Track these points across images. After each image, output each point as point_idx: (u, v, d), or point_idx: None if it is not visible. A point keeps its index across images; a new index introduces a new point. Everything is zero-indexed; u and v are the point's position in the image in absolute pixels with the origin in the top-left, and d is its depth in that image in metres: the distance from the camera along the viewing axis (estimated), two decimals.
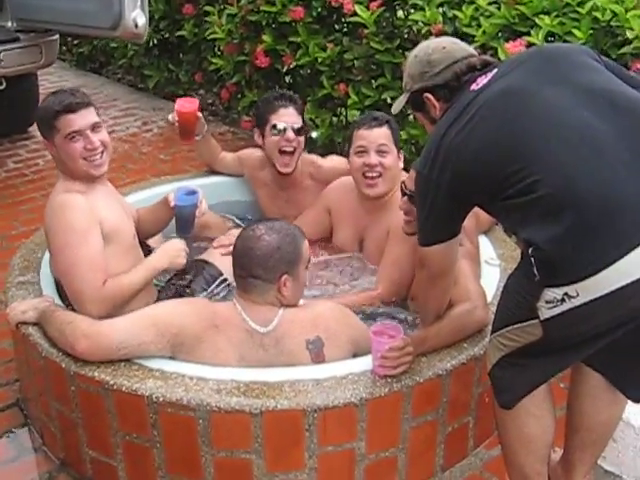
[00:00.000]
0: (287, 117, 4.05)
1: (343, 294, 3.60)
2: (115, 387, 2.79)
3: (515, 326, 2.42)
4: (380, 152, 3.59)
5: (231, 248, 2.98)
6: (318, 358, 2.91)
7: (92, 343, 2.85)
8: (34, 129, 6.97)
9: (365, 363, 2.88)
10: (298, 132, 4.05)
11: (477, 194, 2.52)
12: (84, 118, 3.17)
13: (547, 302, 2.29)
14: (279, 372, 2.82)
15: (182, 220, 3.51)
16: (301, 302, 3.06)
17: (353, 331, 3.02)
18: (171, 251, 3.34)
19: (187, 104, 4.16)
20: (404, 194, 3.19)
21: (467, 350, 2.97)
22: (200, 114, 4.20)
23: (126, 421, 2.85)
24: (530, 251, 2.27)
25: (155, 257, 3.32)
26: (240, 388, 2.74)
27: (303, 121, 4.11)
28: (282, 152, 4.06)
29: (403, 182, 3.23)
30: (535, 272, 2.27)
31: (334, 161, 4.24)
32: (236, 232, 3.15)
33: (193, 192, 3.55)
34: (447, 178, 2.51)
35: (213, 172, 4.59)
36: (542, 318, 2.33)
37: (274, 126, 4.04)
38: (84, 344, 2.85)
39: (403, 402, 2.81)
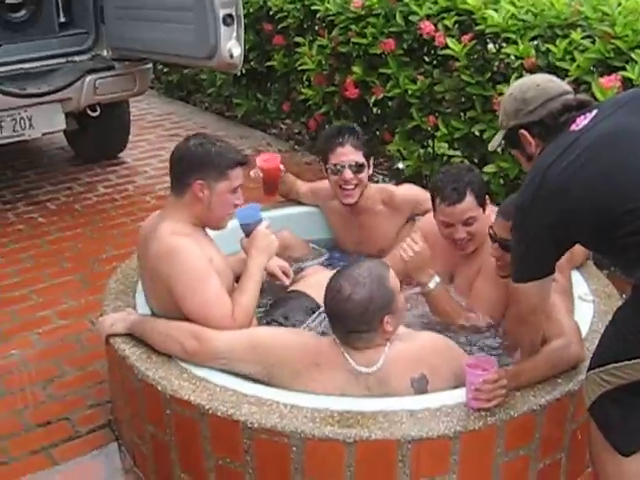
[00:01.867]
0: (344, 156, 4.05)
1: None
2: (210, 412, 2.83)
3: (622, 363, 2.41)
4: (466, 224, 3.56)
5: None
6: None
7: (200, 345, 3.03)
8: (125, 155, 7.17)
9: (459, 395, 2.88)
10: (357, 170, 4.05)
11: (586, 232, 2.51)
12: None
13: None
14: (374, 402, 2.84)
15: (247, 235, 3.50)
16: (403, 329, 3.08)
17: (455, 363, 3.01)
18: (261, 242, 3.35)
19: (269, 161, 4.30)
20: (494, 240, 3.21)
21: (561, 386, 2.95)
22: (282, 167, 4.34)
23: (220, 446, 2.89)
24: None
25: (252, 259, 3.31)
26: (335, 417, 2.77)
27: (366, 153, 4.10)
28: (342, 188, 4.11)
29: (491, 227, 3.24)
30: None
31: (407, 189, 4.26)
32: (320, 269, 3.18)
33: (253, 208, 3.57)
34: (552, 214, 2.51)
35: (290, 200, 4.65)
36: None
37: (333, 166, 4.08)
38: (195, 344, 3.03)
39: (496, 436, 2.80)
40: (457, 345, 3.20)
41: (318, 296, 3.22)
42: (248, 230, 3.45)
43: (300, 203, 4.59)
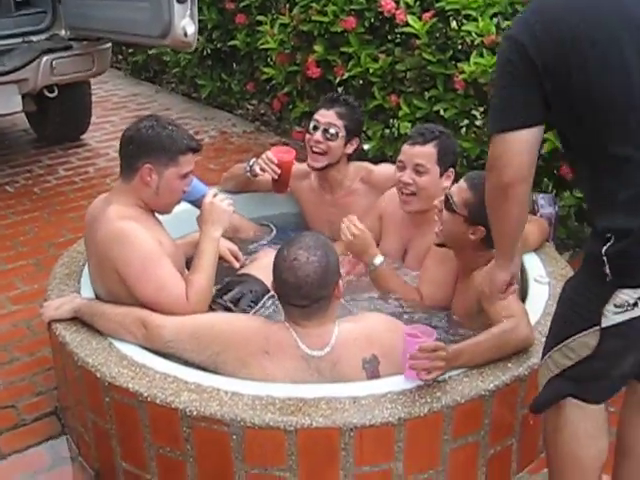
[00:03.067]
0: (323, 118, 4.05)
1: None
2: (149, 399, 2.76)
3: (572, 338, 2.32)
4: (417, 171, 3.54)
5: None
6: (374, 376, 2.87)
7: (150, 332, 2.99)
8: (87, 137, 7.06)
9: (405, 381, 2.81)
10: (330, 137, 4.00)
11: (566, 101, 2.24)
12: (194, 162, 3.24)
13: (616, 306, 2.20)
14: (316, 389, 2.77)
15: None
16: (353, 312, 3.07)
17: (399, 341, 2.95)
18: (210, 215, 3.28)
19: (286, 154, 4.16)
20: (446, 202, 3.15)
21: (511, 370, 2.89)
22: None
23: (160, 434, 2.82)
24: (605, 247, 2.17)
25: (203, 233, 3.25)
26: (276, 404, 2.70)
27: (350, 128, 4.04)
28: (311, 149, 4.07)
29: (449, 191, 3.18)
30: (607, 271, 2.18)
31: (386, 167, 4.20)
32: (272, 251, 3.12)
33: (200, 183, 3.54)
34: (543, 48, 2.22)
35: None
36: (604, 325, 2.24)
37: (311, 122, 4.08)
38: (143, 331, 3.00)
39: (443, 423, 2.74)
40: None
41: (268, 279, 3.16)
42: (197, 206, 3.39)
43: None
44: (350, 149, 4.09)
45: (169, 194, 3.19)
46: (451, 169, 3.61)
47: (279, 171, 4.10)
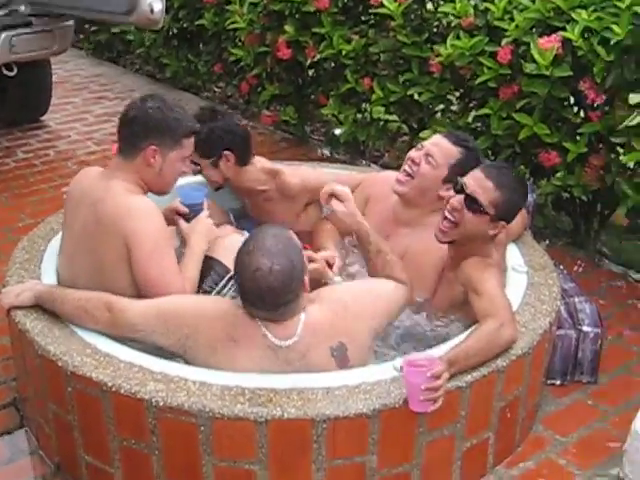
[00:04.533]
0: (193, 157, 3.65)
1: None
2: (114, 389, 2.73)
3: None
4: (427, 159, 3.52)
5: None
6: (344, 363, 2.87)
7: (115, 317, 2.94)
8: (48, 118, 6.98)
9: (380, 372, 2.82)
10: (199, 170, 3.94)
11: None
12: None
13: None
14: (288, 379, 2.75)
15: (190, 220, 3.47)
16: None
17: (372, 322, 2.99)
18: (204, 231, 3.39)
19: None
20: (470, 203, 3.15)
21: (489, 361, 2.89)
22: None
23: (124, 426, 2.79)
24: None
25: (195, 243, 3.34)
26: (245, 395, 2.68)
27: (206, 153, 3.84)
28: None
29: (472, 191, 3.16)
30: None
31: (302, 177, 4.06)
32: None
33: (197, 189, 3.56)
34: None
35: None
36: None
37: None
38: (107, 316, 2.94)
39: (418, 414, 2.72)
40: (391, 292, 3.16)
41: (228, 260, 3.14)
42: (192, 210, 3.46)
43: None
44: (227, 165, 3.91)
45: (170, 176, 3.24)
46: (451, 185, 3.52)
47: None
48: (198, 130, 3.30)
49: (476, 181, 3.17)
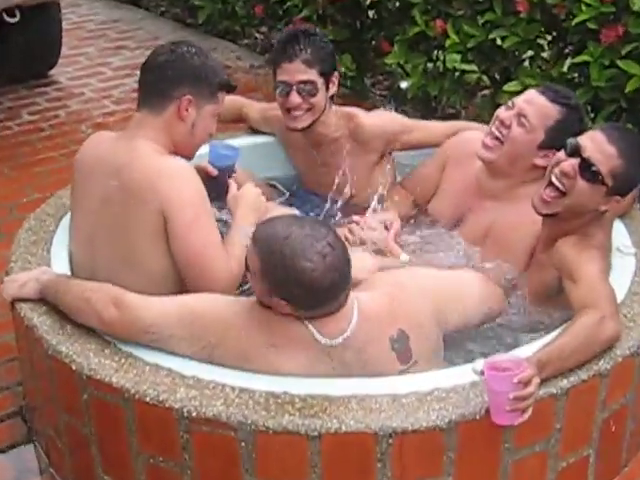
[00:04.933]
0: (291, 75, 3.90)
1: None
2: (137, 396, 2.75)
3: None
4: (520, 120, 3.50)
5: None
6: (406, 358, 2.88)
7: (122, 314, 2.89)
8: (57, 73, 7.06)
9: (457, 375, 2.81)
10: (308, 92, 3.91)
11: None
12: None
13: None
14: (345, 384, 2.76)
15: (220, 184, 3.47)
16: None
17: (436, 304, 3.00)
18: (251, 204, 3.39)
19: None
20: (585, 169, 3.13)
21: (589, 364, 2.87)
22: None
23: (150, 440, 2.82)
24: None
25: (242, 217, 3.34)
26: (295, 403, 2.69)
27: (325, 69, 3.93)
28: (289, 111, 4.00)
29: (589, 155, 3.13)
30: None
31: (379, 119, 4.15)
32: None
33: (229, 148, 3.59)
34: None
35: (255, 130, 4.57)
36: None
37: (279, 84, 3.95)
38: (114, 313, 2.89)
39: (503, 428, 2.71)
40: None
41: None
42: (221, 175, 3.50)
43: (256, 131, 4.52)
44: (333, 89, 4.01)
45: (202, 133, 3.30)
46: (553, 151, 3.49)
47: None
48: (233, 86, 3.35)
49: (596, 144, 3.13)
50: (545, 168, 3.29)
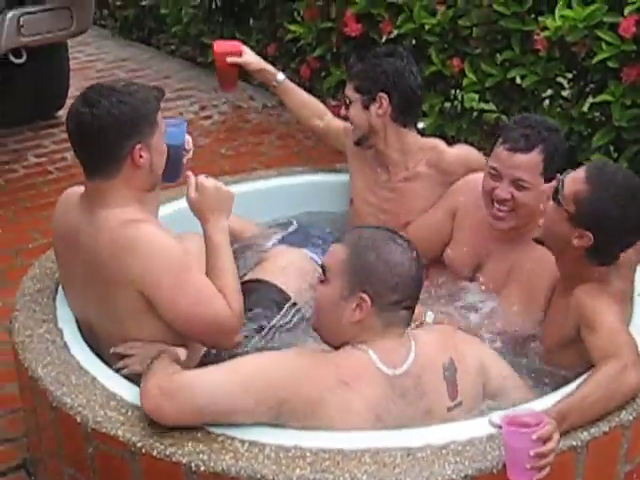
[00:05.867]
0: (346, 90, 4.16)
1: None
2: (144, 450, 2.75)
3: None
4: (517, 185, 3.52)
5: None
6: (453, 393, 2.90)
7: (163, 397, 2.75)
8: (64, 114, 7.01)
9: (473, 428, 2.80)
10: (347, 106, 4.12)
11: None
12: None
13: None
14: (358, 437, 2.75)
15: (172, 163, 3.39)
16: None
17: (476, 351, 3.04)
18: (214, 199, 3.26)
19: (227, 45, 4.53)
20: (555, 190, 3.18)
21: (611, 415, 2.86)
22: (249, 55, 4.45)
23: None
24: None
25: (211, 223, 3.22)
26: (306, 457, 2.68)
27: (365, 87, 4.03)
28: None
29: (563, 177, 3.18)
30: None
31: (463, 150, 4.20)
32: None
33: (175, 123, 3.53)
34: None
35: (287, 173, 4.71)
36: None
37: None
38: (154, 400, 2.76)
39: None
40: None
41: (284, 283, 3.15)
42: (173, 151, 3.37)
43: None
44: (379, 110, 4.02)
45: (160, 163, 3.22)
46: (557, 176, 3.52)
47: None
48: (161, 95, 3.23)
49: (574, 172, 3.19)
50: None
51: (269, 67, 4.56)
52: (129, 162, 3.11)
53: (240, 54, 4.40)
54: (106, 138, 3.06)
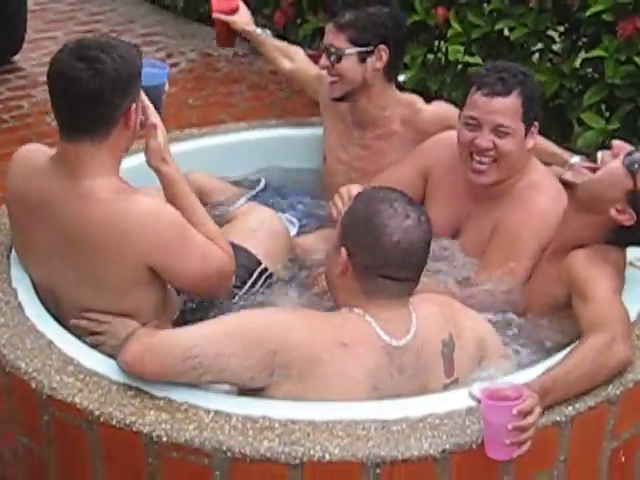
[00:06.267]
0: (326, 36, 4.10)
1: None
2: (102, 419, 2.75)
3: None
4: (498, 132, 3.51)
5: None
6: (449, 369, 2.92)
7: (145, 349, 2.78)
8: (21, 59, 7.04)
9: (452, 400, 2.81)
10: (334, 58, 4.01)
11: None
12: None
13: None
14: (330, 408, 2.76)
15: (153, 104, 3.36)
16: None
17: (475, 324, 3.07)
18: (159, 153, 3.27)
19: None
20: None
21: (596, 389, 2.88)
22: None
23: (116, 467, 2.82)
24: None
25: (171, 164, 3.27)
26: (275, 428, 2.69)
27: (358, 39, 3.97)
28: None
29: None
30: None
31: (441, 107, 4.19)
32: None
33: (157, 65, 3.56)
34: None
35: (258, 126, 4.69)
36: None
37: None
38: (135, 352, 2.78)
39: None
40: None
41: (254, 246, 3.16)
42: (150, 94, 3.32)
43: None
44: (376, 64, 4.01)
45: (138, 120, 3.21)
46: (535, 124, 3.58)
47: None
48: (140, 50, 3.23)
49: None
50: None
51: (253, 28, 4.63)
52: (122, 123, 3.09)
53: (234, 11, 4.49)
54: (105, 97, 3.01)
